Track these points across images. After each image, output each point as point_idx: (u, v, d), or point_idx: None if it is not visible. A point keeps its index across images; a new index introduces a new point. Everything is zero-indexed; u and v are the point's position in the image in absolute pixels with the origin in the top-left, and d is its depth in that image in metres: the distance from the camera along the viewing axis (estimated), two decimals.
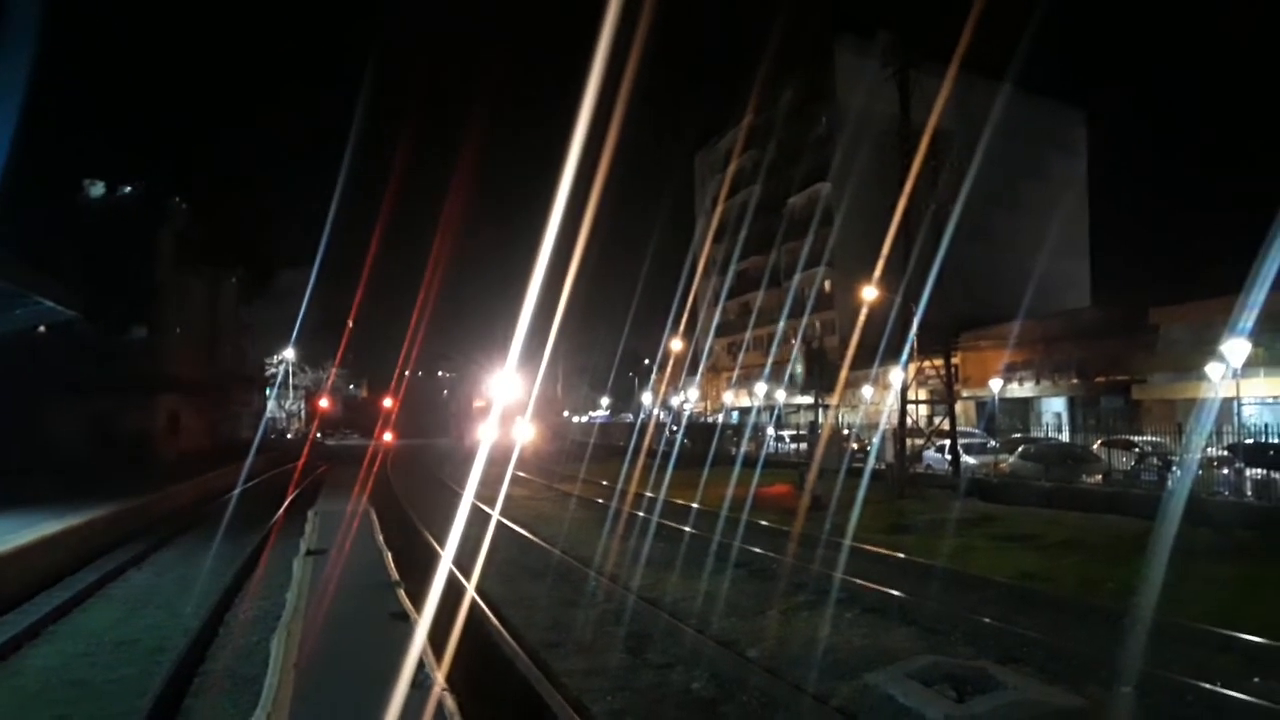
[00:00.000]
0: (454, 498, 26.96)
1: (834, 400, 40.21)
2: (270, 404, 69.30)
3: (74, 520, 16.58)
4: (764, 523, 19.18)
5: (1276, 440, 20.76)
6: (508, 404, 42.84)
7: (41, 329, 27.04)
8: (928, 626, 10.64)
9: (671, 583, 13.60)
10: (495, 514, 19.29)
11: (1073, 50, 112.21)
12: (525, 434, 42.03)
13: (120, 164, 38.91)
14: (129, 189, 40.51)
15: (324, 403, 70.74)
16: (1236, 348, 21.51)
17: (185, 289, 44.49)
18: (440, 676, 6.99)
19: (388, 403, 68.65)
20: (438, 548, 16.10)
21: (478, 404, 47.81)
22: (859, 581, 12.63)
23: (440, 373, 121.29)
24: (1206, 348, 26.35)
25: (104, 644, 10.41)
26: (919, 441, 31.36)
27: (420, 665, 7.20)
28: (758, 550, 15.66)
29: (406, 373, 73.21)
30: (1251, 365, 26.33)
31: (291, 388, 75.47)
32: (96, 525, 17.42)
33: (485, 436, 37.78)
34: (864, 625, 10.90)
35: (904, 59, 28.91)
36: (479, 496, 23.24)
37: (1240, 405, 23.05)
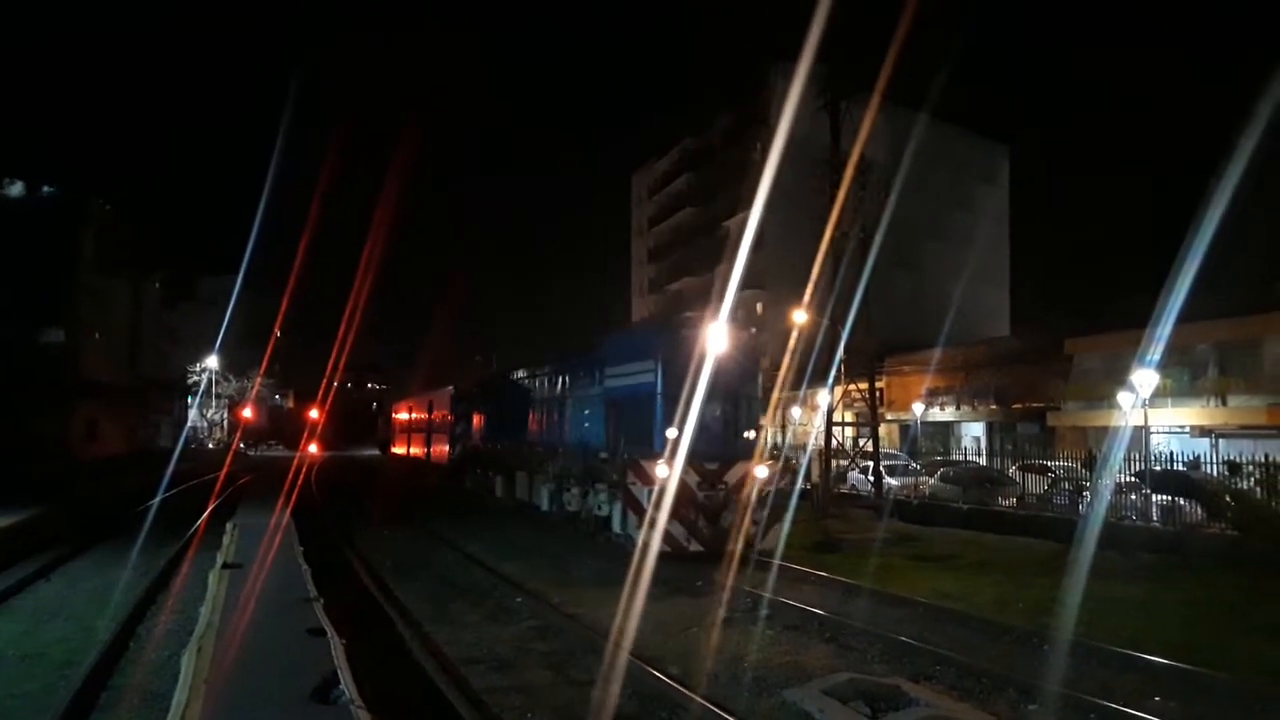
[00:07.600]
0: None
1: (765, 421, 40.57)
2: (192, 412, 67.41)
3: None
4: None
5: (1182, 468, 21.65)
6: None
7: None
8: (847, 644, 10.84)
9: (595, 598, 13.59)
10: None
11: (997, 87, 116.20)
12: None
13: (41, 164, 37.81)
14: (49, 189, 39.27)
15: (248, 412, 69.04)
16: (1145, 378, 22.36)
17: (106, 292, 43.15)
18: (355, 693, 6.92)
19: (314, 414, 67.30)
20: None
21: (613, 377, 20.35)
22: (782, 599, 12.85)
23: (370, 384, 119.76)
24: (1117, 378, 27.34)
25: (6, 658, 10.02)
26: (844, 462, 31.92)
27: (336, 681, 7.12)
28: (683, 567, 15.71)
29: (335, 384, 71.80)
30: (1160, 396, 27.43)
31: (215, 396, 73.40)
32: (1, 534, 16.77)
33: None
34: (785, 642, 11.05)
35: (835, 90, 29.61)
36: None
37: (1148, 434, 23.97)
